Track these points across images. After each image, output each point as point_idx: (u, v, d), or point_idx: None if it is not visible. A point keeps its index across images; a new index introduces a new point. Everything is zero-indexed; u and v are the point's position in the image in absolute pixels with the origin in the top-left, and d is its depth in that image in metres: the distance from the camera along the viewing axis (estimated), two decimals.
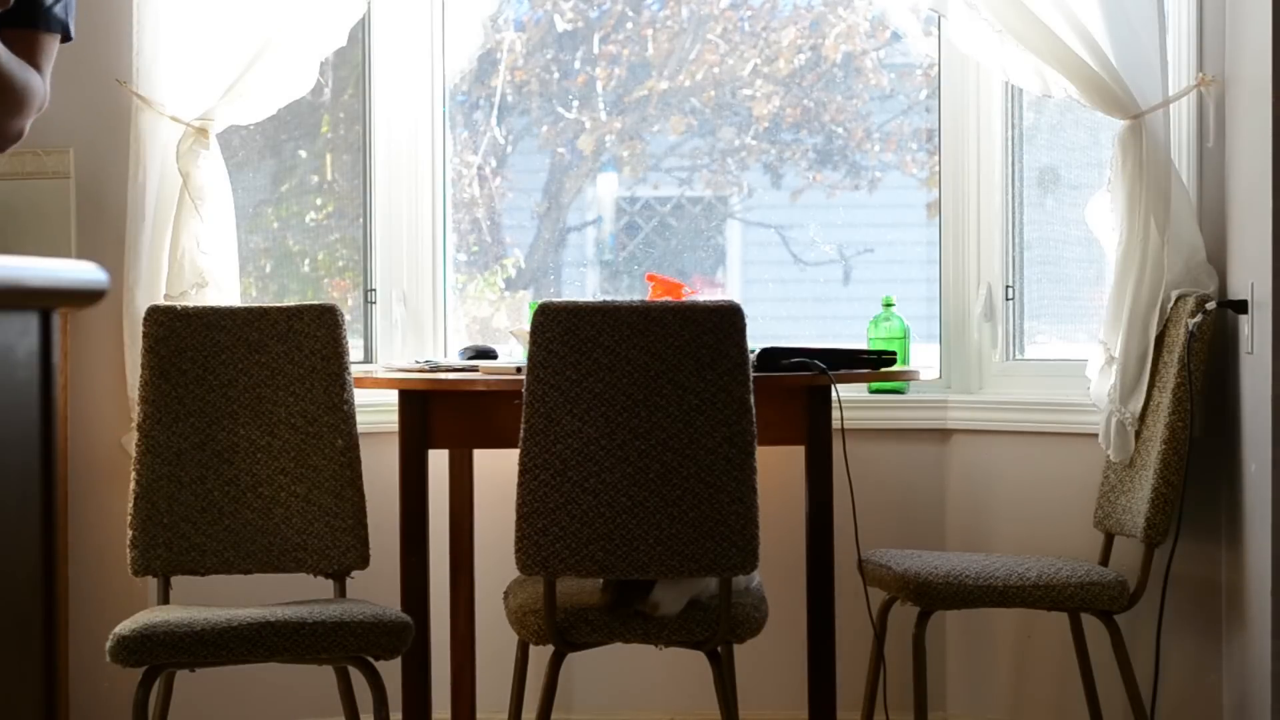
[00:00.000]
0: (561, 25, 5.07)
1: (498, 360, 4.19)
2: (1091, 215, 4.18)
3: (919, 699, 3.92)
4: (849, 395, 4.16)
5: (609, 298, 4.55)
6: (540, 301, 3.59)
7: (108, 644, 3.48)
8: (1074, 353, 4.44)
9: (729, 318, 3.54)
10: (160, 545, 3.86)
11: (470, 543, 4.40)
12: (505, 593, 3.80)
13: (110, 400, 4.29)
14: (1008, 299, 4.53)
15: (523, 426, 3.54)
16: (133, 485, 3.86)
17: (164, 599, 3.86)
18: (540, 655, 3.72)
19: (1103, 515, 4.09)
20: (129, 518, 3.86)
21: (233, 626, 3.47)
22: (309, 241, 4.77)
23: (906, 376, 4.23)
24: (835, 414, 3.93)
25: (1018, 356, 4.55)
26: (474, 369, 4.06)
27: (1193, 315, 3.90)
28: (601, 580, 3.62)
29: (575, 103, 5.04)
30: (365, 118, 4.67)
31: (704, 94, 5.02)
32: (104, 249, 4.24)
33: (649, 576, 3.55)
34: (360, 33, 4.63)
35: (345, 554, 3.91)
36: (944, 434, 4.55)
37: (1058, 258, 4.53)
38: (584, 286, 5.08)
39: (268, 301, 4.57)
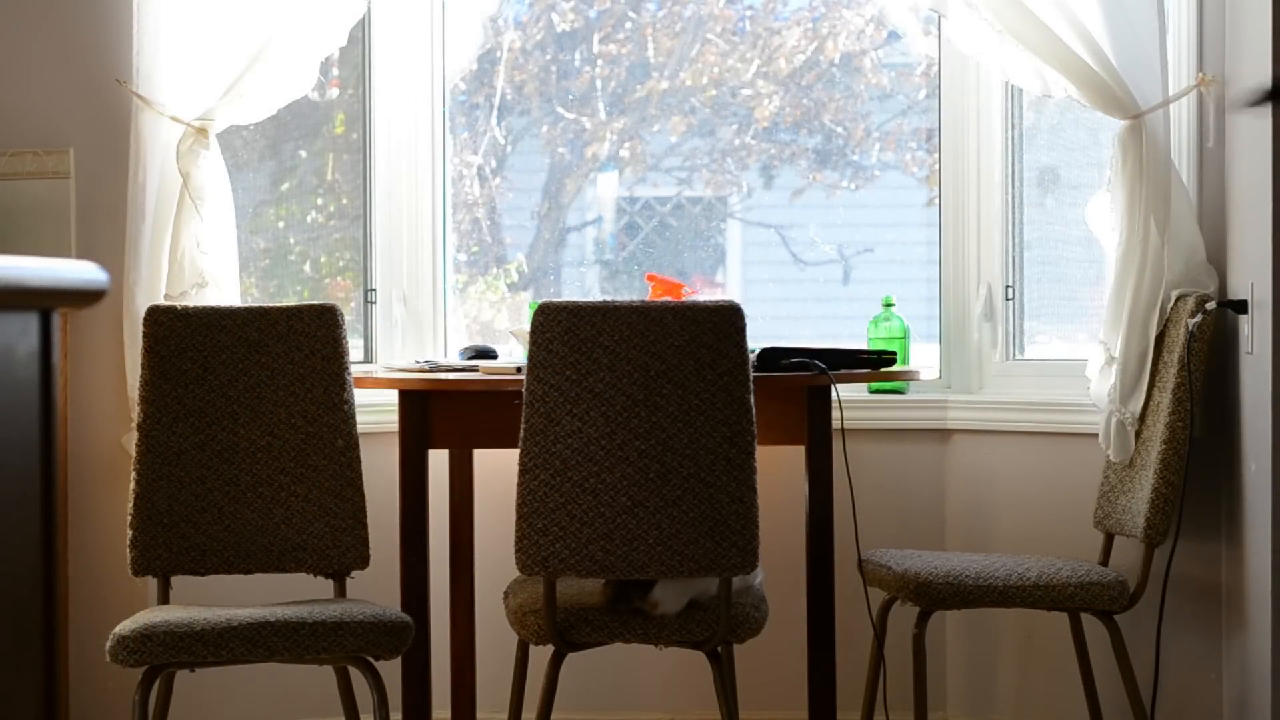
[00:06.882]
0: (561, 25, 5.07)
1: (498, 360, 4.19)
2: (1091, 215, 4.18)
3: (919, 699, 3.92)
4: (849, 395, 4.16)
5: (609, 298, 4.55)
6: (540, 301, 3.59)
7: (108, 644, 3.48)
8: (1074, 353, 4.44)
9: (729, 318, 3.54)
10: (160, 545, 3.86)
11: (470, 543, 4.39)
12: (505, 593, 3.80)
13: (110, 400, 4.29)
14: (1008, 299, 4.53)
15: (523, 426, 3.54)
16: (133, 485, 3.86)
17: (164, 599, 3.86)
18: (540, 655, 3.72)
19: (1103, 515, 4.08)
20: (129, 518, 3.85)
21: (233, 626, 3.47)
22: (309, 241, 4.77)
23: (906, 376, 4.23)
24: (835, 414, 3.93)
25: (1018, 356, 4.55)
26: (474, 369, 4.06)
27: (1193, 315, 3.90)
28: (603, 579, 3.62)
29: (575, 103, 5.03)
30: (365, 118, 4.67)
31: (704, 94, 5.02)
32: (104, 249, 4.24)
33: (649, 576, 3.55)
34: (360, 33, 4.63)
35: (345, 554, 3.91)
36: (944, 434, 4.55)
37: (1058, 258, 4.52)
38: (584, 286, 5.08)
39: (267, 301, 4.57)
